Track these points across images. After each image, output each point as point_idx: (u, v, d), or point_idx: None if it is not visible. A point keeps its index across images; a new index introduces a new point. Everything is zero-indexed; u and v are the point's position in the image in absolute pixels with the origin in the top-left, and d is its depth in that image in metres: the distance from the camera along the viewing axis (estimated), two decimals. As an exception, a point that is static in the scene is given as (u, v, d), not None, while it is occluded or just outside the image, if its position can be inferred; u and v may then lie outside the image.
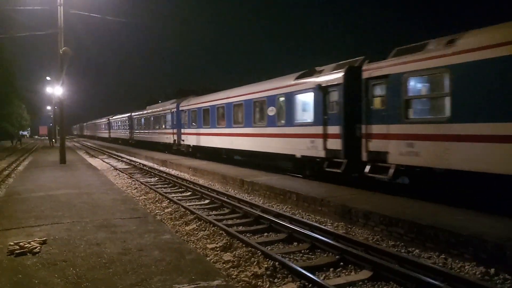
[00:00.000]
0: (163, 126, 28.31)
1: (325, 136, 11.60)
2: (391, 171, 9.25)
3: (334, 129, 11.25)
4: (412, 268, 5.40)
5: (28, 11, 19.76)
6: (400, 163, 9.16)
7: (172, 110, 26.07)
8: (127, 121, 41.72)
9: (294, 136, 13.15)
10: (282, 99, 13.86)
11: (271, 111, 14.35)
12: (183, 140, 24.02)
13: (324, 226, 7.96)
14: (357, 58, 11.30)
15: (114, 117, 50.30)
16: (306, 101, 12.84)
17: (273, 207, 9.95)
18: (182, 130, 24.22)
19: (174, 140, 25.55)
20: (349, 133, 10.77)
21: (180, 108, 24.61)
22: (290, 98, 13.39)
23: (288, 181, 12.09)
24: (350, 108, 10.77)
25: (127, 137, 41.34)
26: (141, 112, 36.24)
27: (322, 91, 11.66)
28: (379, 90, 9.83)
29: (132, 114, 39.31)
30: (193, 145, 22.44)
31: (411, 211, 7.40)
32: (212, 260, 6.10)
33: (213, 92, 23.19)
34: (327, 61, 12.79)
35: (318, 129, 11.85)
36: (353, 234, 7.53)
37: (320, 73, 12.20)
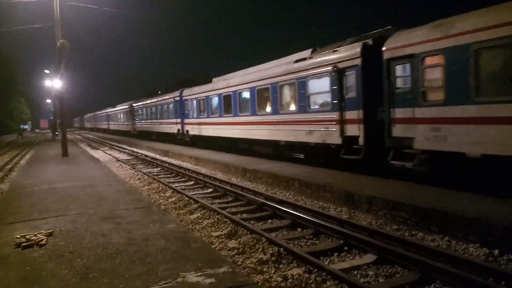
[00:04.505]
0: (290, 108, 13.54)
1: None
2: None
3: None
4: (417, 251, 5.43)
5: (25, 4, 19.60)
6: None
7: (327, 69, 11.22)
8: (171, 106, 26.29)
9: None
10: None
11: None
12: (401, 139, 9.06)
13: (327, 211, 8.00)
14: None
15: (140, 103, 36.00)
16: None
17: (276, 194, 9.98)
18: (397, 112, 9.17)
19: (342, 131, 10.81)
20: None
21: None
22: None
23: (290, 168, 12.10)
24: None
25: (173, 131, 26.05)
26: (205, 90, 20.52)
27: None
28: None
29: (184, 94, 23.97)
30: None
31: (414, 196, 7.42)
32: (217, 248, 6.15)
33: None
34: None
35: None
36: (357, 219, 7.57)
37: None
